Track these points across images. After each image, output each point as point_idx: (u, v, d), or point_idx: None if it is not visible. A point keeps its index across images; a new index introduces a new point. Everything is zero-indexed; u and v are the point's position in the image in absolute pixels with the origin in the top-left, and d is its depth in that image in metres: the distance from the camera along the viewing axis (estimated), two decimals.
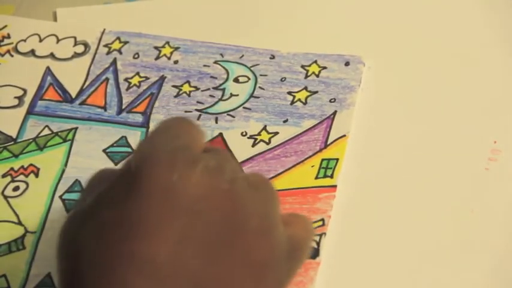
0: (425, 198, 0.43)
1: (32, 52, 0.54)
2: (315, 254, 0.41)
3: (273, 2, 0.54)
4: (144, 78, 0.51)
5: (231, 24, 0.53)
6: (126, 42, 0.53)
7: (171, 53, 0.52)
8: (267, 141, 0.47)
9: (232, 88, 0.50)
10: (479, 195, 0.43)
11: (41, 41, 0.54)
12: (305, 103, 0.48)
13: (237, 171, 0.33)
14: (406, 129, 0.46)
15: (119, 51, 0.53)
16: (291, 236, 0.34)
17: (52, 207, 0.46)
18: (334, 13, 0.53)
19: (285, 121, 0.48)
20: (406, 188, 0.44)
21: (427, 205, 0.43)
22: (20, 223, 0.45)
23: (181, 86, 0.50)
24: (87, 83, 0.51)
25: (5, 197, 0.47)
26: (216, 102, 0.49)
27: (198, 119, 0.49)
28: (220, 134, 0.48)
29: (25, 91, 0.51)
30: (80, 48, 0.53)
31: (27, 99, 0.51)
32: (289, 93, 0.49)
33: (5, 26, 0.55)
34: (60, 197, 0.46)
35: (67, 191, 0.46)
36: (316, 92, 0.49)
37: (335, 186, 0.44)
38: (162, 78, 0.51)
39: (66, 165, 0.48)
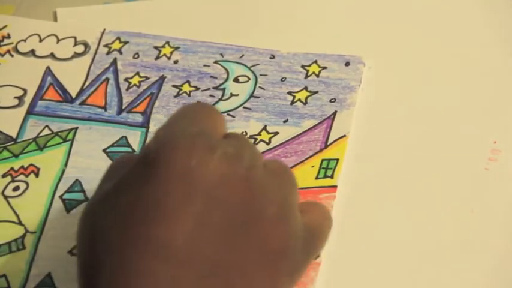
0: (425, 198, 0.43)
1: (32, 52, 0.54)
2: None
3: (273, 2, 0.54)
4: (144, 78, 0.51)
5: (231, 24, 0.53)
6: (126, 42, 0.53)
7: (171, 52, 0.52)
8: (267, 141, 0.47)
9: (232, 88, 0.50)
10: (479, 195, 0.43)
11: (41, 41, 0.54)
12: (305, 103, 0.48)
13: (256, 158, 0.33)
14: (406, 130, 0.46)
15: (119, 51, 0.53)
16: (308, 223, 0.34)
17: (52, 207, 0.46)
18: (334, 13, 0.53)
19: (285, 121, 0.48)
20: (406, 188, 0.44)
21: (427, 205, 0.43)
22: (20, 223, 0.45)
23: (182, 85, 0.50)
24: (87, 83, 0.51)
25: (5, 197, 0.47)
26: (216, 102, 0.49)
27: None
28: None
29: (25, 91, 0.51)
30: (80, 48, 0.53)
31: (27, 99, 0.51)
32: (289, 93, 0.49)
33: (5, 26, 0.55)
34: (60, 197, 0.46)
35: (67, 191, 0.46)
36: (316, 92, 0.49)
37: (335, 186, 0.44)
38: (162, 78, 0.51)
39: (66, 165, 0.48)
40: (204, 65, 0.51)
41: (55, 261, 0.43)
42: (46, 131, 0.49)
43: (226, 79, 0.50)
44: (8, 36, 0.55)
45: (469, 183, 0.44)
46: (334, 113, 0.47)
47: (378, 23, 0.52)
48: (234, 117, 0.48)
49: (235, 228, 0.30)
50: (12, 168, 0.48)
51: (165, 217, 0.30)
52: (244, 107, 0.49)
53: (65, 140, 0.49)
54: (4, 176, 0.47)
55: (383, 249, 0.42)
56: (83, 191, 0.46)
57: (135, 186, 0.31)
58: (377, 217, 0.43)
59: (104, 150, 0.48)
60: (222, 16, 0.54)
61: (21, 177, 0.47)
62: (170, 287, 0.29)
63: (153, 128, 0.48)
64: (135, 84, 0.51)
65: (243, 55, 0.51)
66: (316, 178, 0.44)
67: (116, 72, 0.52)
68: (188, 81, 0.51)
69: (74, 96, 0.51)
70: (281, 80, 0.50)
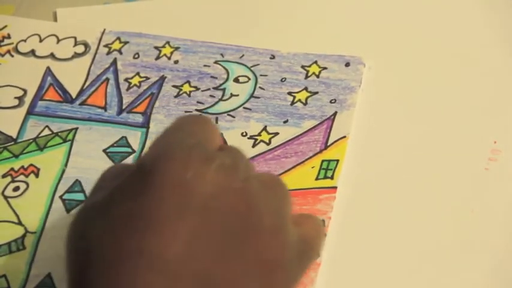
0: (426, 198, 0.44)
1: (32, 52, 0.53)
2: None
3: (273, 2, 0.54)
4: (144, 78, 0.51)
5: (231, 24, 0.53)
6: (126, 42, 0.53)
7: (171, 53, 0.52)
8: (267, 141, 0.47)
9: (232, 88, 0.50)
10: (479, 195, 0.43)
11: (41, 41, 0.54)
12: (305, 104, 0.48)
13: (250, 170, 0.33)
14: (406, 130, 0.46)
15: (119, 51, 0.53)
16: (302, 235, 0.34)
17: (52, 208, 0.46)
18: (334, 13, 0.53)
19: (285, 122, 0.48)
20: (406, 188, 0.44)
21: (427, 205, 0.43)
22: (20, 223, 0.45)
23: (182, 86, 0.50)
24: (87, 83, 0.51)
25: (5, 197, 0.47)
26: (216, 102, 0.49)
27: None
28: (221, 134, 0.48)
29: (25, 91, 0.51)
30: (80, 49, 0.53)
31: (28, 100, 0.51)
32: (290, 93, 0.49)
33: (5, 26, 0.55)
34: (61, 197, 0.46)
35: (67, 191, 0.46)
36: (316, 93, 0.49)
37: (335, 187, 0.44)
38: (162, 78, 0.51)
39: (66, 165, 0.48)
40: (204, 65, 0.51)
41: (55, 261, 0.43)
42: (46, 131, 0.49)
43: (227, 79, 0.50)
44: (8, 37, 0.54)
45: (469, 183, 0.44)
46: (335, 114, 0.47)
47: (378, 23, 0.52)
48: (234, 117, 0.48)
49: (230, 240, 0.30)
50: (12, 169, 0.48)
51: (160, 229, 0.29)
52: (244, 107, 0.49)
53: (65, 140, 0.49)
54: (4, 176, 0.47)
55: (383, 249, 0.42)
56: (83, 191, 0.46)
57: (130, 197, 0.30)
58: (377, 217, 0.43)
59: (104, 151, 0.48)
60: (222, 16, 0.54)
61: (21, 177, 0.47)
62: None
63: (153, 128, 0.48)
64: (135, 85, 0.51)
65: (243, 55, 0.51)
66: (316, 179, 0.44)
67: (116, 73, 0.52)
68: (188, 82, 0.51)
69: (74, 96, 0.51)
70: (281, 80, 0.50)
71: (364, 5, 0.53)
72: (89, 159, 0.48)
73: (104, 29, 0.54)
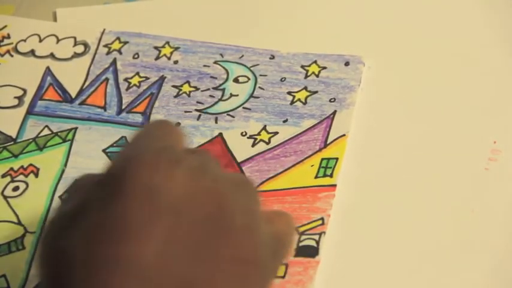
0: (426, 198, 0.43)
1: (32, 52, 0.54)
2: (315, 252, 0.41)
3: (273, 2, 0.54)
4: (144, 78, 0.51)
5: (231, 24, 0.53)
6: (126, 42, 0.53)
7: (171, 53, 0.52)
8: (267, 141, 0.47)
9: (232, 88, 0.50)
10: (479, 195, 0.43)
11: (40, 41, 0.54)
12: (305, 103, 0.48)
13: (219, 171, 0.33)
14: (406, 129, 0.46)
15: (119, 51, 0.53)
16: (274, 233, 0.34)
17: (52, 207, 0.46)
18: (334, 13, 0.53)
19: (284, 121, 0.48)
20: (406, 187, 0.44)
21: (427, 205, 0.43)
22: (19, 223, 0.45)
23: (181, 86, 0.50)
24: (87, 83, 0.51)
25: (5, 197, 0.47)
26: (216, 102, 0.49)
27: (198, 119, 0.49)
28: (220, 134, 0.48)
29: (25, 91, 0.51)
30: (80, 49, 0.53)
31: (27, 99, 0.51)
32: (289, 93, 0.49)
33: (5, 26, 0.55)
34: (60, 197, 0.46)
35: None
36: (316, 92, 0.49)
37: (335, 185, 0.44)
38: (162, 78, 0.51)
39: (65, 165, 0.48)
40: (204, 65, 0.51)
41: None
42: (46, 131, 0.49)
43: (226, 79, 0.50)
44: (8, 36, 0.55)
45: (469, 183, 0.44)
46: (334, 113, 0.47)
47: (378, 23, 0.52)
48: (233, 117, 0.48)
49: (204, 241, 0.30)
50: (11, 169, 0.48)
51: (133, 234, 0.29)
52: (244, 107, 0.49)
53: (64, 140, 0.49)
54: (4, 176, 0.47)
55: (382, 248, 0.42)
56: None
57: (100, 205, 0.30)
58: (376, 216, 0.43)
59: (104, 151, 0.48)
60: (222, 16, 0.54)
61: (21, 177, 0.47)
62: None
63: None
64: (135, 85, 0.51)
65: (242, 55, 0.51)
66: (316, 177, 0.44)
67: (115, 72, 0.52)
68: (188, 82, 0.51)
69: (73, 96, 0.51)
70: (281, 80, 0.50)
71: (364, 4, 0.53)
72: (89, 159, 0.48)
73: (104, 29, 0.54)
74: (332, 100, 0.48)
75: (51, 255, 0.31)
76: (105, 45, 0.53)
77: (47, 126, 0.49)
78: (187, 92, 0.50)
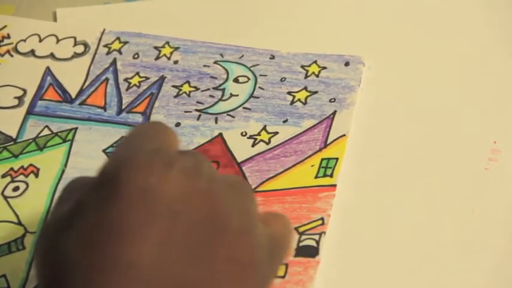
0: (426, 198, 0.43)
1: (32, 52, 0.54)
2: (315, 252, 0.41)
3: (273, 2, 0.54)
4: (144, 78, 0.51)
5: (231, 24, 0.53)
6: (126, 42, 0.53)
7: (171, 53, 0.52)
8: (267, 141, 0.47)
9: (232, 88, 0.50)
10: (479, 195, 0.43)
11: (40, 41, 0.54)
12: (305, 103, 0.48)
13: (214, 172, 0.33)
14: (406, 129, 0.46)
15: (119, 51, 0.53)
16: (271, 234, 0.33)
17: (52, 208, 0.46)
18: (334, 13, 0.53)
19: (284, 121, 0.48)
20: (406, 187, 0.44)
21: (427, 205, 0.43)
22: (20, 223, 0.45)
23: (181, 86, 0.50)
24: (87, 83, 0.51)
25: (5, 197, 0.47)
26: (216, 103, 0.49)
27: (198, 119, 0.49)
28: (220, 134, 0.48)
29: (25, 91, 0.51)
30: (80, 49, 0.53)
31: (27, 99, 0.51)
32: (289, 93, 0.49)
33: (5, 26, 0.55)
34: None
35: None
36: (316, 92, 0.49)
37: (335, 185, 0.44)
38: (162, 78, 0.51)
39: (66, 165, 0.48)
40: (204, 65, 0.51)
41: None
42: (46, 131, 0.49)
43: (226, 79, 0.50)
44: (8, 36, 0.55)
45: (469, 183, 0.44)
46: (334, 113, 0.47)
47: (377, 23, 0.52)
48: (233, 117, 0.48)
49: (200, 242, 0.30)
50: (12, 169, 0.48)
51: (129, 236, 0.29)
52: (244, 107, 0.49)
53: (64, 140, 0.49)
54: (4, 176, 0.47)
55: (382, 248, 0.42)
56: None
57: (96, 207, 0.30)
58: (376, 216, 0.43)
59: (104, 151, 0.48)
60: (222, 16, 0.54)
61: (21, 177, 0.47)
62: None
63: None
64: (135, 85, 0.51)
65: (242, 55, 0.51)
66: (316, 177, 0.44)
67: (115, 73, 0.52)
68: (188, 82, 0.51)
69: (73, 96, 0.51)
70: (281, 80, 0.50)
71: (364, 4, 0.53)
72: (89, 159, 0.48)
73: (104, 29, 0.54)
74: (332, 100, 0.48)
75: (48, 256, 0.31)
76: (105, 45, 0.53)
77: (47, 126, 0.49)
78: (187, 92, 0.50)
